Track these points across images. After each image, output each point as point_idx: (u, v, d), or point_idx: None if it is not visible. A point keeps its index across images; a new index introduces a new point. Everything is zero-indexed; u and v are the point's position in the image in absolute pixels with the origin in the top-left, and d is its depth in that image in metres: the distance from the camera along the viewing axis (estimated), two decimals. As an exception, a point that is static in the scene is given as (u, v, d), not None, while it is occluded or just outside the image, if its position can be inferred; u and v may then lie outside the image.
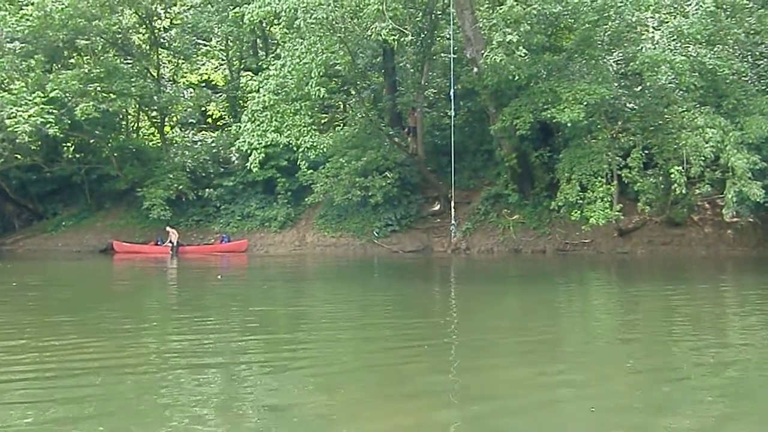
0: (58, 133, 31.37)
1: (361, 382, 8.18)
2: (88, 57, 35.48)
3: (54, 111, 31.01)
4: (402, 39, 25.62)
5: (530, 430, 6.56)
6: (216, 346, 10.50)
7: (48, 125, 30.48)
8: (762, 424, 6.68)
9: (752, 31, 23.82)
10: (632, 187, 24.41)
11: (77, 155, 37.97)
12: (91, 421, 6.89)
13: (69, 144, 37.93)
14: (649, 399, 7.35)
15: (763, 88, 23.91)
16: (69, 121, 32.55)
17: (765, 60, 24.50)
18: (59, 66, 35.67)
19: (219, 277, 23.12)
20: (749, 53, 24.36)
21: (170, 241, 32.00)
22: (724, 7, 22.95)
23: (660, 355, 9.36)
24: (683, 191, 22.85)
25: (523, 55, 22.55)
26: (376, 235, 31.46)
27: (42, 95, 30.79)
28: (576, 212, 24.41)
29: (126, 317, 13.51)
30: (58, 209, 37.73)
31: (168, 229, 32.06)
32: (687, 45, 22.34)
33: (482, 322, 12.02)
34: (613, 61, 25.01)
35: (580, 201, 24.28)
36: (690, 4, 23.21)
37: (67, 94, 32.37)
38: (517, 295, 16.53)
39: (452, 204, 23.80)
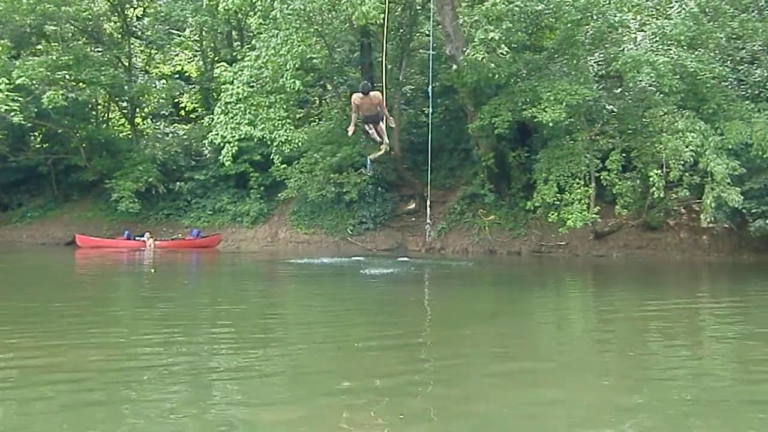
0: (23, 122, 30.23)
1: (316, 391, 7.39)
2: (57, 44, 34.09)
3: (20, 99, 29.81)
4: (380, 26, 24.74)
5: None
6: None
7: (13, 113, 29.32)
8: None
9: (733, 36, 23.43)
10: (609, 190, 23.96)
11: (44, 145, 36.78)
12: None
13: (36, 133, 36.73)
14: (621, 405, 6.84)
15: (743, 93, 23.53)
16: (36, 110, 31.52)
17: (746, 65, 24.13)
18: (26, 52, 34.49)
19: (153, 270, 22.16)
20: (730, 58, 23.97)
21: (149, 246, 30.48)
22: (707, 10, 22.55)
23: (633, 366, 8.75)
24: (661, 195, 22.46)
25: (504, 53, 21.98)
26: (350, 232, 30.70)
27: (7, 82, 29.49)
28: (553, 214, 23.97)
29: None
30: (24, 200, 36.49)
31: (147, 237, 30.63)
32: (669, 47, 21.87)
33: (454, 332, 11.29)
34: (594, 62, 24.52)
35: (557, 202, 23.84)
36: (672, 7, 22.74)
37: (34, 82, 31.21)
38: (491, 302, 15.67)
39: (428, 203, 23.16)
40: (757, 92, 23.52)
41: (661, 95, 22.91)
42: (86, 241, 30.95)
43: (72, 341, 9.70)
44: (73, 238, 32.71)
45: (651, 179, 22.14)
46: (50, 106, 30.48)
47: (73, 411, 6.52)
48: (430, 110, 23.20)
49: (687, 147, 21.55)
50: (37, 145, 36.85)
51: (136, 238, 30.69)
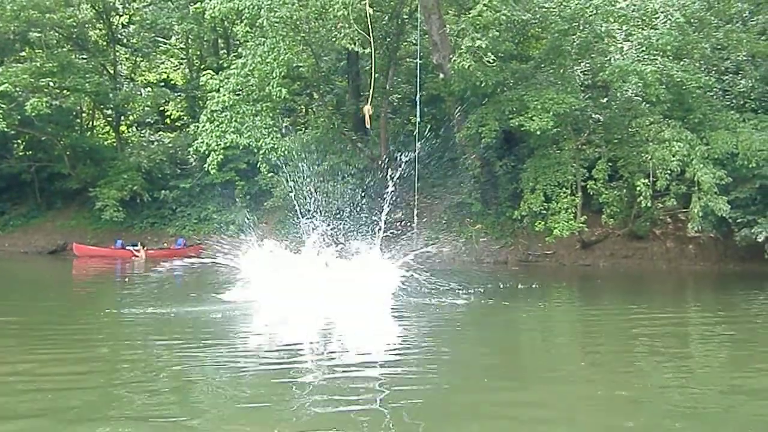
0: (6, 129, 29.75)
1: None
2: (41, 51, 33.59)
3: (3, 105, 29.38)
4: (365, 49, 24.53)
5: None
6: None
7: None
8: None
9: (718, 46, 23.37)
10: (596, 199, 23.77)
11: (27, 152, 36.10)
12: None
13: (19, 141, 36.07)
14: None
15: (729, 103, 23.44)
16: (19, 117, 30.93)
17: (730, 75, 24.06)
18: (10, 59, 33.88)
19: (126, 279, 21.60)
20: (715, 68, 23.91)
21: (140, 255, 29.88)
22: (692, 21, 22.45)
23: (621, 380, 8.39)
24: (648, 204, 22.29)
25: (491, 61, 21.77)
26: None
27: None
28: (540, 223, 23.75)
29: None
30: (6, 208, 35.65)
31: (139, 246, 30.08)
32: (655, 57, 21.74)
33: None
34: (580, 72, 24.36)
35: (544, 211, 23.62)
36: (658, 17, 22.62)
37: (18, 89, 30.68)
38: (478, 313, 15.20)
39: (415, 212, 22.83)
40: (742, 102, 23.47)
41: (648, 105, 22.78)
42: (83, 250, 30.25)
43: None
44: (57, 247, 32.25)
45: (638, 188, 21.97)
46: (34, 114, 29.86)
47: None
48: (418, 119, 22.98)
49: (674, 156, 21.42)
50: (20, 153, 36.18)
51: (127, 248, 30.10)
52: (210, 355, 9.17)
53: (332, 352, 9.84)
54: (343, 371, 8.39)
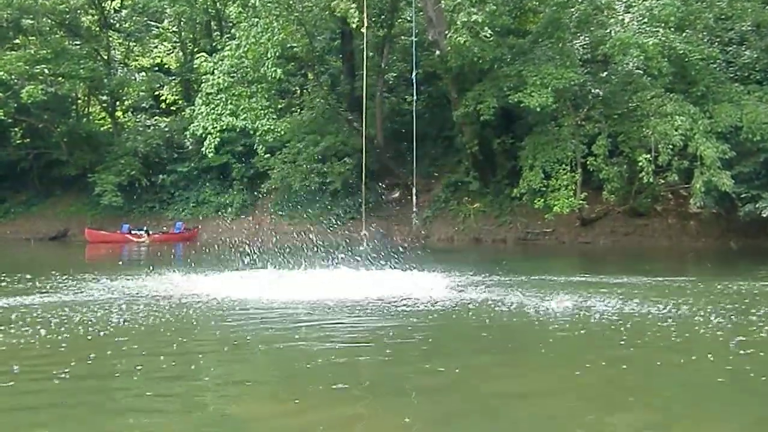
0: (3, 117, 29.18)
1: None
2: (35, 38, 32.39)
3: None
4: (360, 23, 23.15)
5: None
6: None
7: None
8: None
9: (722, 16, 21.83)
10: (596, 176, 22.45)
11: (25, 140, 35.06)
12: None
13: (17, 129, 34.99)
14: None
15: (733, 75, 21.97)
16: (15, 105, 30.19)
17: (734, 46, 22.52)
18: (4, 47, 32.66)
19: (120, 263, 20.47)
20: (718, 39, 22.38)
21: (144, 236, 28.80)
22: (695, -10, 20.98)
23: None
24: (650, 180, 20.98)
25: (488, 36, 20.37)
26: (334, 222, 28.97)
27: None
28: (539, 200, 22.49)
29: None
30: (6, 196, 34.59)
31: (142, 232, 28.94)
32: (657, 28, 20.30)
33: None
34: (580, 45, 22.91)
35: (544, 189, 22.37)
36: (660, -13, 21.11)
37: (13, 77, 29.76)
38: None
39: (414, 192, 21.54)
40: (746, 74, 21.98)
41: (649, 78, 21.38)
42: (95, 236, 29.10)
43: None
44: (58, 233, 31.29)
45: (640, 164, 20.67)
46: (30, 101, 28.98)
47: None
48: (414, 97, 21.52)
49: (676, 131, 20.09)
50: (18, 141, 35.16)
51: (133, 232, 29.06)
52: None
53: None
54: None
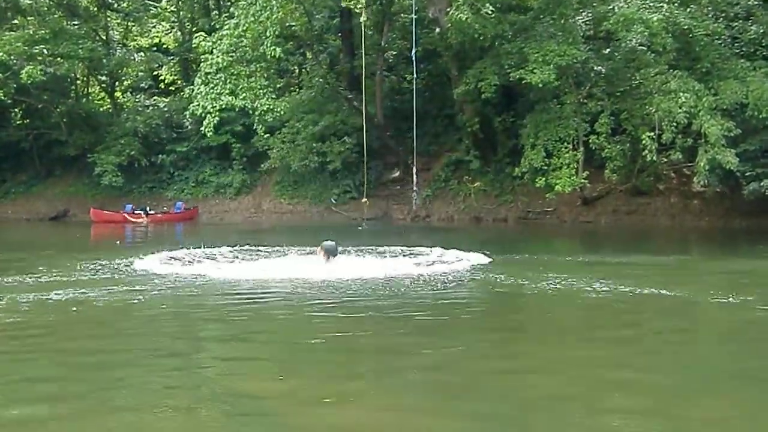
0: (3, 98, 28.62)
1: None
2: (33, 18, 31.61)
3: None
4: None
5: None
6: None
7: None
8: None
9: (728, -10, 21.07)
10: (598, 154, 21.80)
11: (25, 121, 34.41)
12: None
13: (16, 109, 34.35)
14: None
15: (738, 51, 21.19)
16: (15, 86, 29.55)
17: (740, 21, 21.66)
18: (3, 28, 31.91)
19: (117, 243, 19.98)
20: (723, 14, 21.54)
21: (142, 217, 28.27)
22: (700, -36, 20.20)
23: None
24: (654, 158, 20.32)
25: (489, 12, 19.65)
26: (334, 201, 28.43)
27: None
28: (540, 179, 21.84)
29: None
30: (7, 176, 34.02)
31: (140, 212, 28.42)
32: (661, 4, 19.53)
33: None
34: (582, 22, 22.13)
35: (545, 167, 21.72)
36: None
37: (12, 57, 29.11)
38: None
39: (414, 170, 20.93)
40: (752, 50, 21.15)
41: (653, 55, 20.62)
42: (100, 215, 28.59)
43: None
44: (58, 213, 30.91)
45: (643, 142, 19.98)
46: (29, 82, 28.32)
47: None
48: (414, 75, 20.83)
49: (680, 108, 19.37)
50: (18, 122, 34.52)
51: (135, 212, 28.55)
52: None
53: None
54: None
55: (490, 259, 12.74)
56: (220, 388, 5.53)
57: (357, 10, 21.13)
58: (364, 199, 19.95)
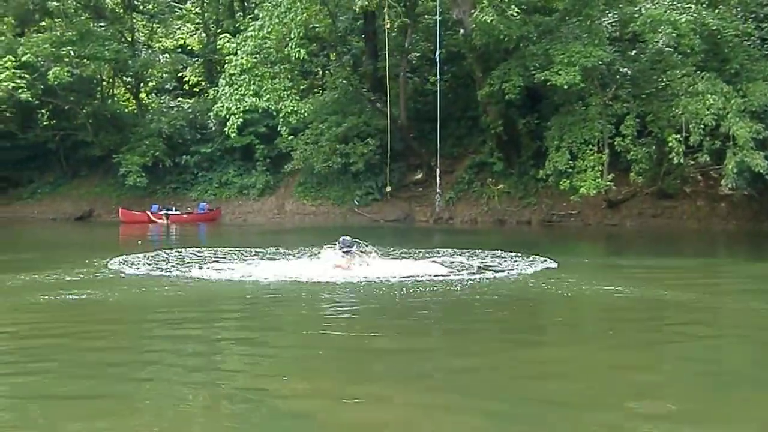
0: (30, 99, 28.69)
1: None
2: (60, 20, 31.99)
3: (26, 76, 28.32)
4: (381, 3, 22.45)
5: None
6: None
7: (20, 90, 27.89)
8: None
9: (757, -9, 20.75)
10: (623, 157, 21.54)
11: (51, 122, 34.77)
12: None
13: (43, 110, 34.66)
14: None
15: (767, 52, 20.88)
16: (42, 87, 29.80)
17: (770, 22, 21.40)
18: (31, 29, 32.39)
19: (139, 242, 20.11)
20: (753, 15, 21.22)
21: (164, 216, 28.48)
22: (728, -37, 19.90)
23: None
24: (681, 161, 20.04)
25: (515, 14, 19.52)
26: (357, 203, 28.41)
27: (13, 59, 27.99)
28: (565, 182, 21.65)
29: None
30: (34, 177, 34.37)
31: (162, 213, 28.66)
32: (689, 5, 19.28)
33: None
34: (608, 23, 21.92)
35: (570, 170, 21.52)
36: (691, -38, 20.04)
37: (40, 59, 29.52)
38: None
39: (437, 172, 20.89)
40: (782, 51, 20.88)
41: (680, 56, 20.35)
42: (129, 216, 28.83)
43: None
44: (83, 213, 31.16)
45: (670, 144, 19.72)
46: (56, 83, 28.64)
47: None
48: (438, 77, 20.76)
49: (708, 110, 19.09)
50: (45, 122, 34.81)
51: (161, 212, 28.73)
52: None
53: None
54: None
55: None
56: (250, 388, 5.58)
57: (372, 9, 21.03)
58: (388, 188, 22.14)
